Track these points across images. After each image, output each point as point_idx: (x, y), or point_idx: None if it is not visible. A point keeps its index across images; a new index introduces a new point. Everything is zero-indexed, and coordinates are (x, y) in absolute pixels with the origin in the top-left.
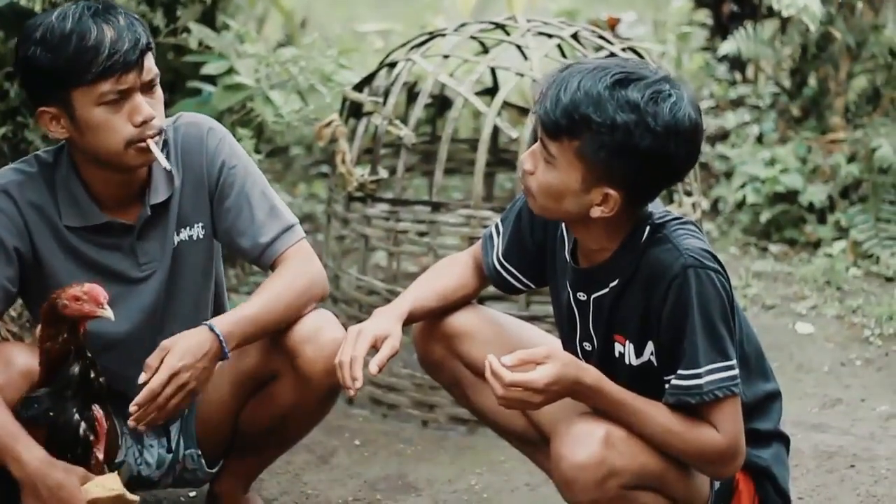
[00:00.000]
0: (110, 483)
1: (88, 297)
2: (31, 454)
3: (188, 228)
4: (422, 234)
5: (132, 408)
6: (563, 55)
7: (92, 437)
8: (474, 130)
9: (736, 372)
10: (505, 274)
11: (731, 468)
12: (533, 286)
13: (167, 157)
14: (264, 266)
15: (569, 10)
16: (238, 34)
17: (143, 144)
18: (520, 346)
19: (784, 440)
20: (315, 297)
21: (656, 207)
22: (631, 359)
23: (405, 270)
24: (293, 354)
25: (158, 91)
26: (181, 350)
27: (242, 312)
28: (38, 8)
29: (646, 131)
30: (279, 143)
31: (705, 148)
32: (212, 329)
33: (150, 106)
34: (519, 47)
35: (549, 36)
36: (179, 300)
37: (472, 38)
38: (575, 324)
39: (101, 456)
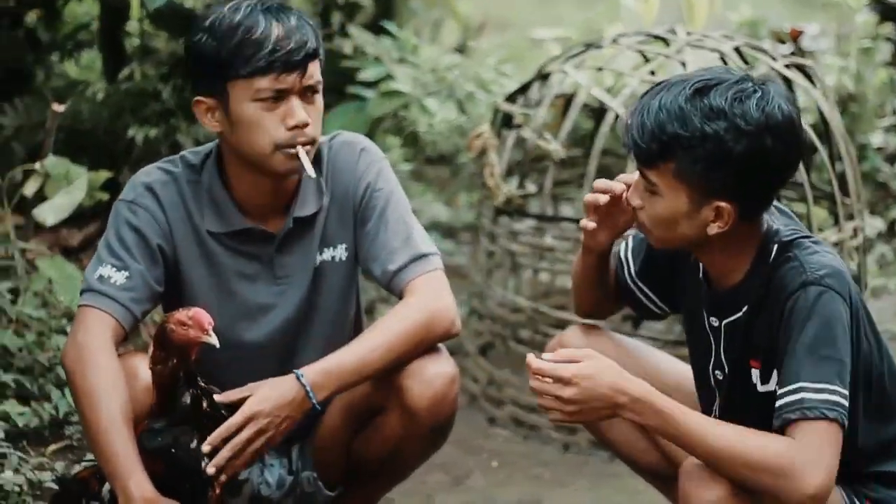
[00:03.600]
0: None
1: (193, 322)
2: (139, 490)
3: (332, 249)
4: (569, 252)
5: (205, 447)
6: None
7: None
8: None
9: (841, 399)
10: (639, 293)
11: (798, 488)
12: (666, 310)
13: (319, 173)
14: (395, 294)
15: (751, 20)
16: (399, 40)
17: (291, 150)
18: (650, 374)
19: None
20: (436, 336)
21: (786, 225)
22: (760, 386)
23: (563, 286)
24: (399, 389)
25: (319, 100)
26: (264, 395)
27: (339, 360)
28: (198, 6)
29: (738, 134)
30: (431, 153)
31: (884, 167)
32: (298, 378)
33: (305, 112)
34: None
35: (711, 49)
36: (317, 320)
37: (636, 50)
38: (709, 350)
39: (218, 491)
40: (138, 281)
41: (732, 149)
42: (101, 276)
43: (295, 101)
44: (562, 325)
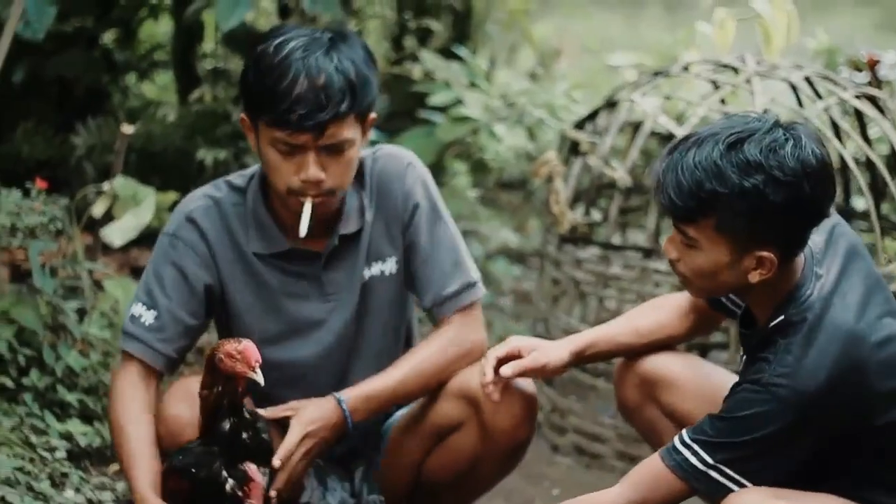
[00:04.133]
0: None
1: (242, 357)
2: None
3: (380, 263)
4: (634, 281)
5: (276, 461)
6: (798, 99)
7: (240, 493)
8: None
9: (695, 462)
10: (725, 300)
11: None
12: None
13: (362, 188)
14: (435, 316)
15: (828, 48)
16: (469, 65)
17: (301, 198)
18: (720, 400)
19: None
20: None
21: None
22: None
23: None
24: (479, 407)
25: (348, 154)
26: (311, 417)
27: (376, 386)
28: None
29: (776, 186)
30: (497, 179)
31: None
32: (339, 403)
33: (326, 166)
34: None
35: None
36: (368, 334)
37: (704, 79)
38: None
39: None
40: (167, 319)
41: (772, 200)
42: (132, 316)
43: (310, 157)
44: None
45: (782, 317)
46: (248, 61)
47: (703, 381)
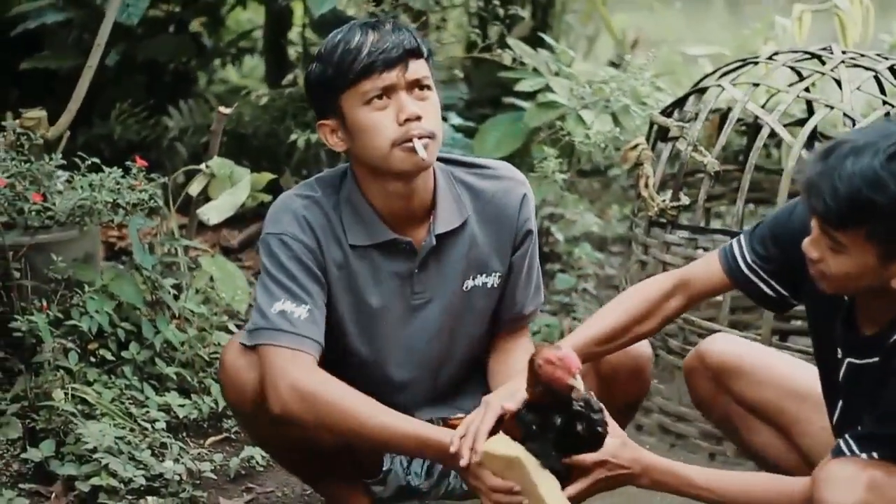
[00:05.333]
0: (507, 445)
1: (562, 364)
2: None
3: (483, 276)
4: None
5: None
6: (882, 88)
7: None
8: None
9: None
10: (753, 277)
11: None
12: (787, 295)
13: (463, 191)
14: (501, 328)
15: None
16: (557, 53)
17: (409, 144)
18: (790, 388)
19: None
20: None
21: None
22: None
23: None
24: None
25: (432, 97)
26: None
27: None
28: (361, 13)
29: None
30: (586, 164)
31: None
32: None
33: (418, 108)
34: (836, 79)
35: (866, 68)
36: (459, 342)
37: (789, 67)
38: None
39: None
40: (317, 313)
41: None
42: (282, 312)
43: (404, 96)
44: (710, 334)
45: None
46: (309, 66)
47: (769, 368)
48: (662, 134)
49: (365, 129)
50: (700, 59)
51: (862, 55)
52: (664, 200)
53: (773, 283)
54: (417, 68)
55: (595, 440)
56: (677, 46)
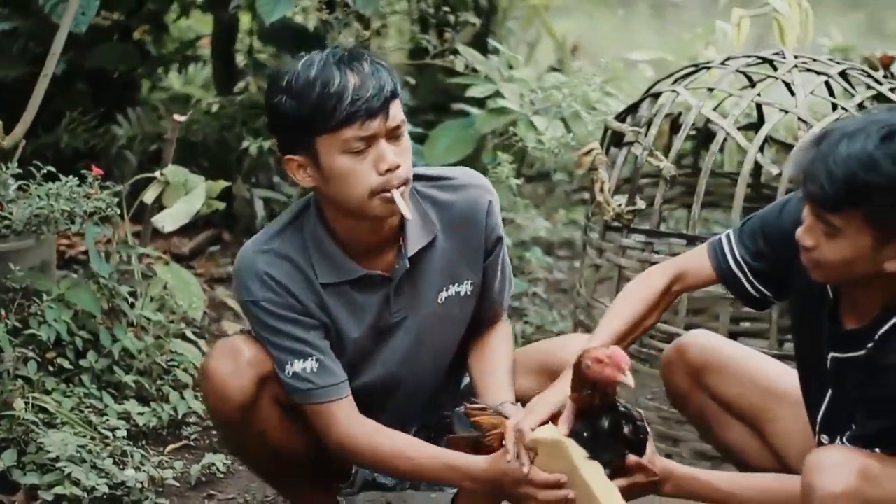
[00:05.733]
0: (550, 431)
1: (611, 361)
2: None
3: (456, 285)
4: None
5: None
6: (831, 93)
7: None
8: (739, 165)
9: None
10: (739, 274)
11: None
12: (769, 295)
13: (429, 206)
14: (481, 320)
15: (843, 46)
16: (506, 59)
17: (387, 195)
18: (766, 384)
19: None
20: None
21: None
22: None
23: None
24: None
25: (405, 140)
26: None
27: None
28: (310, 25)
29: None
30: (539, 169)
31: None
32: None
33: (395, 154)
34: (786, 83)
35: (817, 73)
36: (438, 351)
37: (739, 71)
38: (819, 343)
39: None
40: (325, 358)
41: None
42: (296, 375)
43: (384, 145)
44: (669, 338)
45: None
46: (275, 97)
47: (745, 365)
48: (616, 139)
49: (342, 177)
50: (640, 65)
51: (814, 59)
52: (620, 205)
53: (756, 283)
54: (396, 112)
55: (639, 444)
56: (614, 52)
